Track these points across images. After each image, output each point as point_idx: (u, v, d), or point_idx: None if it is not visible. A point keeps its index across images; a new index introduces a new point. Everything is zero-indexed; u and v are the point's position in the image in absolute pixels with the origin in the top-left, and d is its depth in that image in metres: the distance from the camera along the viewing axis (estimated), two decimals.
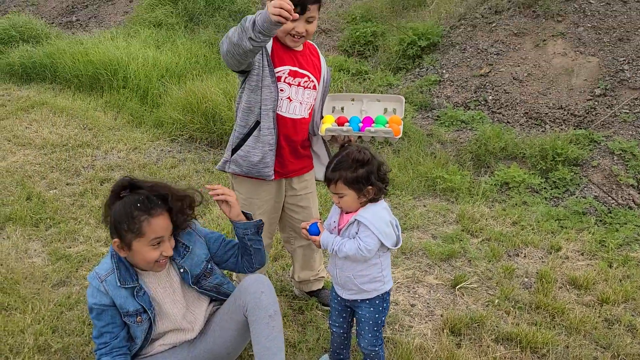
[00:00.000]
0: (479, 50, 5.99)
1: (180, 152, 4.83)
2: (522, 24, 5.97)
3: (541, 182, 4.19)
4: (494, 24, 6.14)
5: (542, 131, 4.90)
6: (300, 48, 2.37)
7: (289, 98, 2.33)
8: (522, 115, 5.20)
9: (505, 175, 4.25)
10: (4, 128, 5.19)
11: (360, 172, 1.94)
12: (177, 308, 2.16)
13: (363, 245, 1.97)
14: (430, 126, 5.25)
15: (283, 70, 2.30)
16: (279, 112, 2.30)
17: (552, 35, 5.73)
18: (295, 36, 2.24)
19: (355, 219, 1.99)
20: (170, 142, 5.03)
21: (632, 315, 2.77)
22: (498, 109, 5.35)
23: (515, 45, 5.86)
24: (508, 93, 5.46)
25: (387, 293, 2.13)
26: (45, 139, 4.93)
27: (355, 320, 2.23)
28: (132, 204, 1.91)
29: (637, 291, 2.94)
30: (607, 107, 4.91)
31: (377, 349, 2.15)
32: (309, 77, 2.38)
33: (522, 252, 3.36)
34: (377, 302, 2.10)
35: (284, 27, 2.11)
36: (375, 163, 1.97)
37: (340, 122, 2.29)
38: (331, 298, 2.26)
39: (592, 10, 5.75)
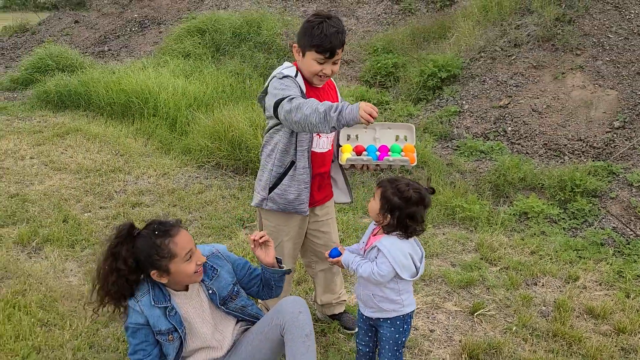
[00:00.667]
0: (498, 82, 6.13)
1: (207, 179, 5.03)
2: (541, 57, 6.11)
3: (560, 213, 4.26)
4: (513, 57, 6.28)
5: (561, 162, 4.98)
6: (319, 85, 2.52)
7: (318, 134, 2.47)
8: (541, 146, 5.29)
9: (524, 205, 4.34)
10: (41, 153, 5.45)
11: (394, 199, 2.06)
12: (206, 327, 2.29)
13: (376, 270, 2.08)
14: (450, 156, 5.37)
15: None
16: (313, 147, 2.45)
17: (571, 69, 5.85)
18: (323, 77, 2.41)
19: (376, 245, 2.10)
20: (198, 169, 5.23)
21: None
22: (517, 139, 5.45)
23: (535, 77, 5.98)
24: (527, 124, 5.56)
25: (409, 315, 2.21)
26: (80, 164, 5.17)
27: (378, 339, 2.31)
28: (151, 234, 2.06)
29: None
30: (625, 140, 4.98)
31: None
32: None
33: (540, 281, 3.43)
34: (397, 322, 2.19)
35: (313, 69, 2.34)
36: (410, 208, 2.06)
37: (357, 151, 2.42)
38: (358, 317, 2.36)
39: (610, 45, 5.86)
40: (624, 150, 4.85)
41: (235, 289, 2.34)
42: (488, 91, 6.11)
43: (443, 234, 4.08)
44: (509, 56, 6.33)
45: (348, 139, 2.55)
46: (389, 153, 2.42)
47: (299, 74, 2.40)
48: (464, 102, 6.11)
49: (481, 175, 4.92)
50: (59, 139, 5.87)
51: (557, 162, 5.00)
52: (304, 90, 2.39)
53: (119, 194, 4.59)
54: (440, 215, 4.30)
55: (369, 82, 7.22)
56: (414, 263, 2.13)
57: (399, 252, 2.08)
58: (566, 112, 5.52)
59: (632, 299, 3.21)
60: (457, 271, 3.52)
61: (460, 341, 2.82)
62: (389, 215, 2.09)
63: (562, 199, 4.38)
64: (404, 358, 2.31)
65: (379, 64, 7.19)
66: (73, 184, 4.76)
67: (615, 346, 2.80)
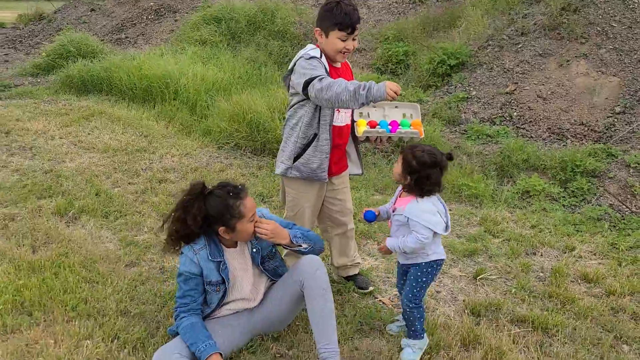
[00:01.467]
0: (505, 70, 6.36)
1: (227, 159, 5.32)
2: (547, 45, 6.33)
3: (560, 191, 4.52)
4: (520, 45, 6.51)
5: (563, 145, 5.23)
6: (338, 64, 2.80)
7: (337, 110, 2.75)
8: (544, 130, 5.54)
9: (527, 184, 4.60)
10: (69, 134, 5.77)
11: (412, 163, 2.37)
12: (247, 281, 2.59)
13: (420, 237, 2.38)
14: (458, 139, 5.62)
15: None
16: (334, 122, 2.72)
17: (576, 56, 6.07)
18: (346, 52, 2.68)
19: (406, 217, 2.42)
20: (218, 149, 5.53)
21: (637, 306, 3.08)
22: (522, 124, 5.70)
23: (540, 65, 6.21)
24: (532, 110, 5.80)
25: (435, 262, 2.51)
26: (107, 144, 5.48)
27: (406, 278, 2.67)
28: (226, 195, 2.36)
29: None
30: (625, 124, 5.21)
31: (412, 307, 2.53)
32: None
33: (539, 251, 3.70)
34: (423, 264, 2.50)
35: (337, 46, 2.63)
36: (426, 171, 2.36)
37: (371, 125, 2.70)
38: (397, 265, 2.74)
39: (614, 33, 6.07)
40: (624, 133, 5.09)
41: (274, 250, 2.64)
42: (495, 78, 6.34)
43: (450, 209, 4.33)
44: (515, 44, 6.55)
45: (360, 116, 2.81)
46: (400, 127, 2.70)
47: (322, 55, 2.67)
48: (471, 89, 6.36)
49: (487, 157, 5.18)
50: (85, 121, 6.18)
51: (560, 145, 5.25)
52: (328, 70, 2.66)
53: (145, 171, 4.90)
54: (448, 193, 4.57)
55: (381, 70, 7.47)
56: (441, 217, 2.44)
57: (427, 213, 2.40)
58: (570, 98, 5.76)
59: (624, 267, 3.48)
60: (462, 242, 3.80)
61: (464, 300, 3.11)
62: (408, 177, 2.39)
63: (563, 178, 4.64)
64: (422, 307, 2.59)
65: (390, 52, 7.43)
66: (102, 161, 5.07)
67: (605, 306, 3.07)
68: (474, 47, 6.90)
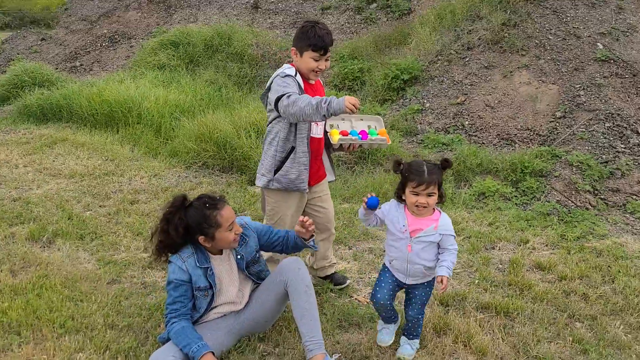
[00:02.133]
0: (454, 82, 6.77)
1: (196, 177, 5.45)
2: (491, 58, 6.79)
3: (512, 191, 4.87)
4: (467, 59, 6.95)
5: (512, 149, 5.63)
6: (313, 80, 3.04)
7: (316, 123, 2.99)
8: (494, 136, 5.93)
9: (482, 186, 4.93)
10: (33, 162, 5.76)
11: (440, 176, 2.50)
12: (233, 286, 2.75)
13: (455, 250, 2.57)
14: (415, 149, 5.94)
15: None
16: (313, 135, 2.97)
17: (518, 67, 6.53)
18: (318, 72, 2.93)
19: (442, 234, 2.53)
20: (186, 169, 5.65)
21: (586, 288, 3.40)
22: (474, 132, 6.08)
23: (486, 76, 6.65)
24: (482, 118, 6.20)
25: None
26: (73, 170, 5.51)
27: (406, 296, 2.79)
28: (202, 207, 2.54)
29: (590, 270, 3.59)
30: (566, 127, 5.66)
31: (420, 317, 2.73)
32: None
33: (497, 246, 4.01)
34: (431, 283, 2.69)
35: (310, 66, 2.87)
36: (441, 176, 2.52)
37: (343, 134, 2.97)
38: (382, 280, 2.75)
39: (550, 45, 6.58)
40: (565, 136, 5.52)
41: (257, 255, 2.81)
42: (446, 90, 6.74)
43: None
44: (463, 58, 6.99)
45: (331, 127, 3.08)
46: (369, 136, 2.96)
47: (297, 73, 2.91)
48: (425, 101, 6.73)
49: None
50: (48, 149, 6.18)
51: (509, 149, 5.64)
52: (302, 87, 2.89)
53: (115, 194, 4.97)
54: None
55: (338, 87, 7.78)
56: None
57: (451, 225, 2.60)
58: (515, 105, 6.19)
59: (572, 255, 3.82)
60: None
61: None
62: (441, 190, 2.54)
63: (514, 179, 5.00)
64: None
65: (346, 70, 7.76)
66: (70, 187, 5.11)
67: (558, 290, 3.38)
68: (424, 62, 7.30)
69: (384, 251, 2.81)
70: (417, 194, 2.48)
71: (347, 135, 2.95)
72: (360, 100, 7.14)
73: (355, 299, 3.33)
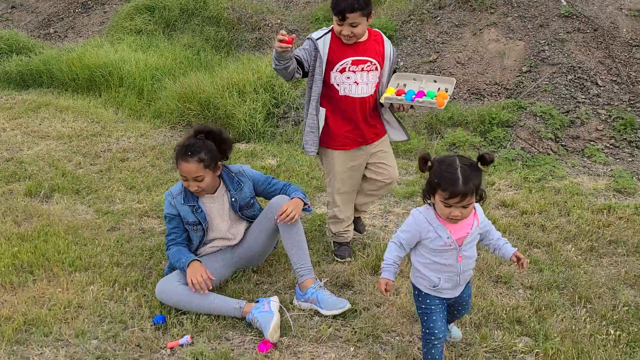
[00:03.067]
0: (427, 41, 7.03)
1: (181, 136, 5.66)
2: (462, 17, 7.05)
3: (481, 141, 5.22)
4: (438, 18, 7.20)
5: (481, 103, 5.96)
6: (363, 39, 2.97)
7: (356, 82, 2.99)
8: (465, 92, 6.25)
9: (453, 137, 5.27)
10: (20, 125, 5.89)
11: (481, 177, 2.02)
12: (224, 224, 3.02)
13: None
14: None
15: (346, 62, 2.96)
16: (349, 95, 3.00)
17: (487, 25, 6.82)
18: (345, 37, 2.90)
19: (487, 229, 2.24)
20: (171, 129, 5.85)
21: (544, 220, 3.79)
22: None
23: (457, 35, 6.92)
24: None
25: None
26: (60, 132, 5.67)
27: (456, 306, 2.36)
28: (179, 147, 2.79)
29: (549, 206, 3.98)
30: (532, 81, 6.01)
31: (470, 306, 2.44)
32: (370, 62, 2.99)
33: None
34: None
35: (336, 29, 2.91)
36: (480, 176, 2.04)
37: (399, 93, 2.91)
38: (434, 311, 2.20)
39: (517, 2, 6.87)
40: (531, 89, 5.87)
41: (252, 201, 3.07)
42: (419, 49, 7.01)
43: None
44: (434, 17, 7.24)
45: (397, 87, 3.02)
46: (424, 97, 2.86)
47: (329, 35, 2.99)
48: (399, 60, 6.99)
49: (417, 118, 5.82)
50: (33, 113, 6.30)
51: (478, 102, 5.98)
52: (320, 48, 2.96)
53: (105, 153, 5.17)
54: None
55: None
56: None
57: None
58: (484, 62, 6.50)
59: (534, 193, 4.20)
60: (402, 187, 4.40)
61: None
62: (477, 195, 2.05)
63: (482, 130, 5.35)
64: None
65: None
66: (59, 147, 5.29)
67: (520, 222, 3.76)
68: (398, 22, 7.53)
69: (408, 277, 2.42)
70: (449, 206, 2.00)
71: (401, 95, 2.91)
72: None
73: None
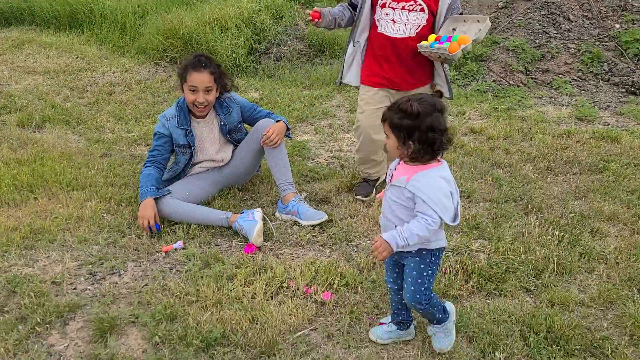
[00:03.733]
0: None
1: (166, 72, 5.80)
2: None
3: (455, 74, 5.45)
4: None
5: None
6: None
7: (392, 20, 2.88)
8: None
9: None
10: (5, 61, 5.97)
11: (404, 122, 1.78)
12: (213, 146, 3.26)
13: (430, 221, 1.80)
14: None
15: None
16: (384, 33, 2.93)
17: None
18: None
19: (412, 192, 1.83)
20: (155, 65, 5.98)
21: (508, 145, 4.09)
22: None
23: None
24: None
25: (438, 250, 1.97)
26: (46, 67, 5.77)
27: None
28: (188, 60, 2.98)
29: (514, 132, 4.27)
30: (507, 16, 6.18)
31: (422, 305, 2.00)
32: (415, 1, 2.84)
33: None
34: (423, 252, 1.94)
35: None
36: (425, 121, 1.77)
37: (438, 39, 2.71)
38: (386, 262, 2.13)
39: None
40: (505, 24, 6.06)
41: (239, 126, 3.29)
42: None
43: None
44: None
45: (453, 31, 2.80)
46: (444, 43, 2.66)
47: None
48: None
49: None
50: (17, 49, 6.35)
51: None
52: None
53: (92, 87, 5.32)
54: None
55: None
56: (452, 202, 1.85)
57: (439, 192, 1.81)
58: None
59: (501, 122, 4.49)
60: None
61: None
62: (410, 142, 1.80)
63: (457, 64, 5.56)
64: (435, 298, 2.06)
65: None
66: (46, 82, 5.41)
67: (486, 147, 4.06)
68: None
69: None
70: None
71: (438, 40, 2.74)
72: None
73: (317, 160, 3.93)
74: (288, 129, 3.24)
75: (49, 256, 2.73)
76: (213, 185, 3.32)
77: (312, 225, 3.07)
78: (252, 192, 3.45)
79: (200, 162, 3.29)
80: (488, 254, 2.78)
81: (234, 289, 2.47)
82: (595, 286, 2.56)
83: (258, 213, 2.99)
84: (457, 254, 2.77)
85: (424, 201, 1.81)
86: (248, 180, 3.52)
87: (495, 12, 6.30)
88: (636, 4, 5.94)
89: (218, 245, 2.89)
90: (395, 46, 2.94)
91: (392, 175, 1.95)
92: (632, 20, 5.75)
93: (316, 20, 2.98)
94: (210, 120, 3.22)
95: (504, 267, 2.65)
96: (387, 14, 2.89)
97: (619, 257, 2.77)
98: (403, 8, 2.85)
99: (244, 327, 2.24)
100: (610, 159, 3.83)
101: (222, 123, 3.22)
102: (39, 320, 2.26)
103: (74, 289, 2.51)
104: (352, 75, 3.20)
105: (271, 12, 6.42)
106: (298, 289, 2.50)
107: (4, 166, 3.63)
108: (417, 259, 1.95)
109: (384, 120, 1.86)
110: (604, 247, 2.86)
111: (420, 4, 2.83)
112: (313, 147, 4.15)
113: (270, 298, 2.44)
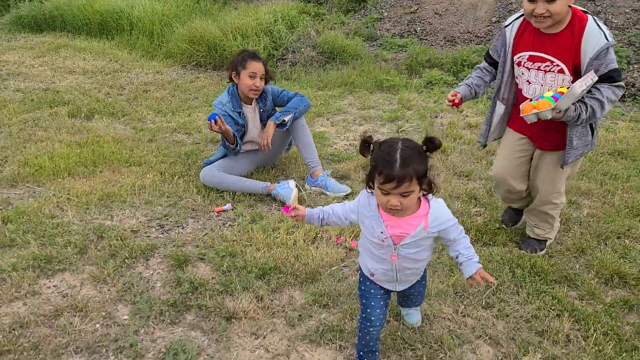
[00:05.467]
0: None
1: (193, 74, 6.42)
2: None
3: (453, 79, 6.10)
4: None
5: (455, 49, 6.81)
6: (559, 26, 2.42)
7: (527, 81, 2.59)
8: (441, 39, 7.09)
9: (430, 76, 6.13)
10: (46, 63, 6.57)
11: (426, 163, 1.74)
12: (255, 129, 3.84)
13: (466, 237, 1.91)
14: (376, 51, 7.05)
15: (522, 55, 2.57)
16: (523, 94, 2.65)
17: None
18: (538, 17, 2.37)
19: (438, 230, 1.84)
20: (182, 68, 6.59)
21: None
22: (425, 36, 7.21)
23: None
24: (431, 24, 7.32)
25: None
26: (84, 68, 6.37)
27: (404, 297, 2.24)
28: (245, 53, 3.58)
29: None
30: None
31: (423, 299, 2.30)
32: (552, 62, 2.46)
33: (439, 115, 5.26)
34: (425, 274, 2.10)
35: (526, 7, 2.40)
36: (426, 162, 1.77)
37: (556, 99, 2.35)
38: (371, 296, 1.99)
39: None
40: None
41: (273, 112, 3.85)
42: (401, 1, 7.77)
43: (376, 96, 5.81)
44: None
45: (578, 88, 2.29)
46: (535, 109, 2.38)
47: (519, 20, 2.62)
48: (383, 11, 7.76)
49: (399, 60, 6.66)
50: (54, 53, 6.95)
51: (452, 48, 6.83)
52: (507, 35, 2.65)
53: (129, 85, 5.92)
54: (373, 86, 6.03)
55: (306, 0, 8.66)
56: None
57: (449, 213, 1.91)
58: (459, 13, 7.32)
59: None
60: (386, 114, 5.28)
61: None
62: (419, 186, 1.75)
63: (455, 70, 6.22)
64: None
65: None
66: (86, 81, 6.01)
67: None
68: None
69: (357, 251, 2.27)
70: (387, 193, 1.73)
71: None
72: (327, 12, 8.10)
73: (335, 147, 4.53)
74: (278, 124, 3.70)
75: (123, 213, 3.30)
76: (251, 163, 3.91)
77: (337, 197, 3.66)
78: (283, 170, 4.05)
79: (244, 144, 3.88)
80: (484, 217, 3.38)
81: (279, 236, 3.06)
82: (571, 240, 3.16)
83: (292, 182, 3.58)
84: (457, 216, 3.37)
85: (454, 223, 1.88)
86: (278, 160, 4.11)
87: (489, 26, 6.98)
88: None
89: (260, 208, 3.48)
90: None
91: (388, 237, 1.84)
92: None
93: (459, 105, 2.78)
94: (253, 106, 3.81)
95: (497, 225, 3.25)
96: (522, 74, 2.62)
97: (590, 221, 3.38)
98: (539, 69, 2.53)
99: (291, 261, 2.82)
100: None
101: (262, 110, 3.81)
102: (126, 256, 2.83)
103: (148, 236, 3.09)
104: (482, 135, 3.03)
105: (286, 23, 7.08)
106: (330, 238, 3.08)
107: (67, 147, 4.21)
108: (423, 281, 2.17)
109: (410, 178, 1.69)
110: (579, 214, 3.47)
111: (557, 65, 2.46)
112: (330, 137, 4.75)
113: (309, 244, 3.03)
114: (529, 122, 2.41)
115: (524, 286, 2.69)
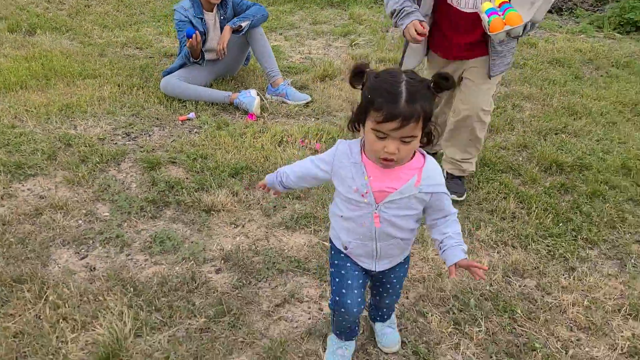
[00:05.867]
0: None
1: None
2: None
3: None
4: None
5: None
6: None
7: None
8: None
9: None
10: None
11: (433, 104, 1.38)
12: (215, 37, 3.80)
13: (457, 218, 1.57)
14: None
15: None
16: (452, 5, 2.42)
17: None
18: None
19: (429, 192, 1.46)
20: None
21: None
22: None
23: None
24: None
25: None
26: None
27: (380, 285, 1.77)
28: None
29: None
30: None
31: (398, 298, 1.87)
32: None
33: (391, 29, 5.37)
34: (408, 257, 1.73)
35: None
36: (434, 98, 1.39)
37: (501, 4, 2.21)
38: (346, 275, 1.64)
39: None
40: None
41: (232, 17, 3.84)
42: None
43: (327, 11, 5.82)
44: None
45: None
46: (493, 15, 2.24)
47: None
48: None
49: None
50: None
51: None
52: None
53: (68, 0, 5.62)
54: (323, 2, 6.02)
55: None
56: None
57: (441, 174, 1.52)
58: None
59: None
60: (338, 28, 5.33)
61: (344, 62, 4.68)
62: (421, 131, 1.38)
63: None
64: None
65: None
66: None
67: None
68: None
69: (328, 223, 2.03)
70: (384, 136, 1.36)
71: (499, 6, 2.26)
72: None
73: (292, 61, 4.58)
74: (235, 29, 3.71)
75: (86, 123, 3.30)
76: (210, 72, 3.92)
77: (298, 104, 3.77)
78: (242, 80, 4.09)
79: (206, 52, 3.85)
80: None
81: (246, 140, 3.17)
82: (515, 137, 3.46)
83: (254, 91, 3.65)
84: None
85: (447, 195, 1.50)
86: (237, 72, 4.14)
87: None
88: None
89: (224, 116, 3.55)
90: (459, 19, 2.45)
91: (370, 192, 1.46)
92: None
93: (423, 35, 2.39)
94: (214, 14, 3.77)
95: None
96: None
97: (532, 120, 3.68)
98: None
99: (261, 161, 2.96)
100: (529, 58, 4.75)
101: (222, 17, 3.79)
102: (97, 160, 2.87)
103: (115, 143, 3.12)
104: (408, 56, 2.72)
105: None
106: (295, 141, 3.23)
107: (14, 61, 4.05)
108: (406, 266, 1.73)
109: (413, 118, 1.30)
110: (522, 115, 3.76)
111: None
112: (286, 51, 4.79)
113: (276, 146, 3.16)
114: (497, 41, 2.21)
115: (475, 175, 2.97)
